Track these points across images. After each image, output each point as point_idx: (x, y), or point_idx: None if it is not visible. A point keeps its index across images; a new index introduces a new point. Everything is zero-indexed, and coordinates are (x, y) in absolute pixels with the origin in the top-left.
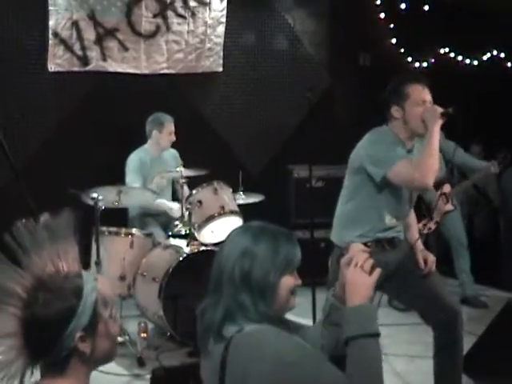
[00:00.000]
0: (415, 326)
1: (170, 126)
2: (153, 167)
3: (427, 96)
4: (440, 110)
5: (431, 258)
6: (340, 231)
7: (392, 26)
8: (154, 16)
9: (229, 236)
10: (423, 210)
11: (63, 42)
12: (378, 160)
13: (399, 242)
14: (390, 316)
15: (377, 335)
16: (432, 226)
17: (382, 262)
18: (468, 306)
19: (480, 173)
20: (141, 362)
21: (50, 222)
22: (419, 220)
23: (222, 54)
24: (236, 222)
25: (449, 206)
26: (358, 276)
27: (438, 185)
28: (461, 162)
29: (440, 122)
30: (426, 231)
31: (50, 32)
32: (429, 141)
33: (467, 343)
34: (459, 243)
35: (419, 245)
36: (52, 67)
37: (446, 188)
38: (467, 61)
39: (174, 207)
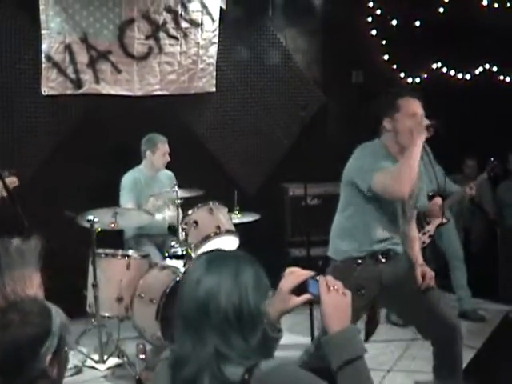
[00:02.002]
0: (414, 341)
1: (163, 147)
2: (147, 188)
3: (418, 109)
4: (426, 122)
5: (430, 273)
6: (335, 244)
7: (384, 42)
8: (147, 38)
9: (196, 269)
10: (416, 224)
11: (56, 65)
12: (365, 172)
13: (395, 255)
14: (388, 332)
15: (363, 355)
16: (426, 239)
17: (376, 273)
18: (466, 319)
19: (458, 193)
20: None
21: (20, 247)
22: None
23: (214, 74)
24: (232, 241)
25: (444, 220)
26: (339, 299)
27: (430, 198)
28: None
29: (425, 134)
30: (420, 245)
31: (43, 55)
32: (410, 151)
33: (466, 357)
34: (455, 256)
35: (419, 259)
36: (45, 91)
37: (438, 201)
38: (460, 75)
39: (167, 214)
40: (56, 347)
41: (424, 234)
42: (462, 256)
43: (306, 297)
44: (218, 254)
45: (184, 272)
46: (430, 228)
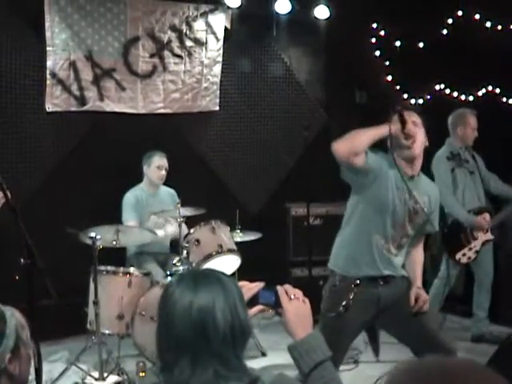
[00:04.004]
0: None
1: (158, 160)
2: (148, 205)
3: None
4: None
5: (423, 297)
6: (335, 256)
7: (387, 63)
8: (151, 56)
9: (185, 292)
10: (462, 239)
11: (61, 82)
12: None
13: (393, 279)
14: (389, 352)
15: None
16: (472, 255)
17: (375, 296)
18: (484, 342)
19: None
20: None
21: None
22: (458, 250)
23: (218, 93)
24: (234, 260)
25: (488, 236)
26: (300, 307)
27: (478, 213)
28: (499, 192)
29: (395, 124)
30: (465, 261)
31: (48, 72)
32: (372, 128)
33: None
34: (485, 275)
35: (418, 282)
36: (50, 107)
37: (486, 216)
38: (463, 97)
39: (169, 230)
40: (13, 346)
41: (470, 249)
42: (491, 278)
43: (258, 308)
44: (199, 273)
45: (165, 298)
46: (477, 243)
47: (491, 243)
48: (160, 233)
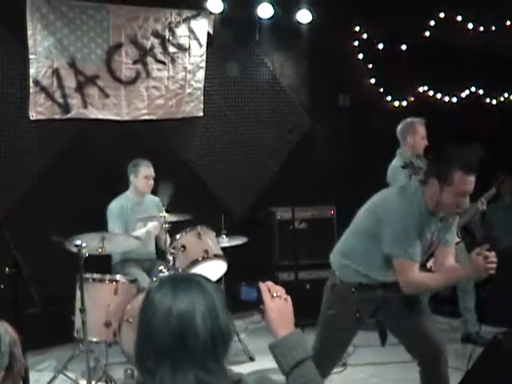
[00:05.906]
0: (404, 364)
1: (145, 169)
2: (134, 213)
3: (469, 187)
4: (483, 272)
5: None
6: (343, 263)
7: (370, 66)
8: (134, 62)
9: (163, 298)
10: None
11: (44, 90)
12: (394, 240)
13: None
14: (378, 355)
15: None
16: None
17: (374, 296)
18: (471, 343)
19: (471, 209)
20: None
21: None
22: (430, 257)
23: (202, 98)
24: (220, 265)
25: (456, 239)
26: (282, 305)
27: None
28: None
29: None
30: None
31: (31, 80)
32: (455, 276)
33: (455, 379)
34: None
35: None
36: (33, 115)
37: None
38: (446, 98)
39: (153, 225)
40: (8, 364)
41: None
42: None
43: None
44: (179, 278)
45: (145, 304)
46: None
47: (463, 245)
48: (142, 232)
